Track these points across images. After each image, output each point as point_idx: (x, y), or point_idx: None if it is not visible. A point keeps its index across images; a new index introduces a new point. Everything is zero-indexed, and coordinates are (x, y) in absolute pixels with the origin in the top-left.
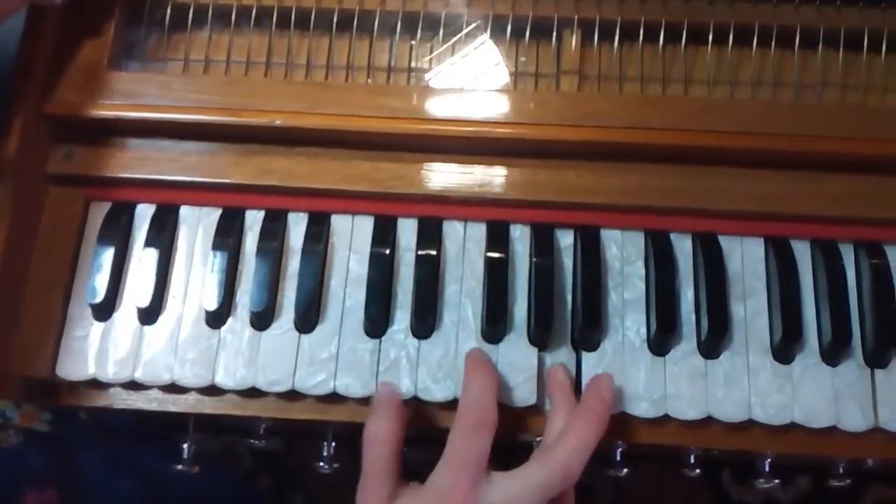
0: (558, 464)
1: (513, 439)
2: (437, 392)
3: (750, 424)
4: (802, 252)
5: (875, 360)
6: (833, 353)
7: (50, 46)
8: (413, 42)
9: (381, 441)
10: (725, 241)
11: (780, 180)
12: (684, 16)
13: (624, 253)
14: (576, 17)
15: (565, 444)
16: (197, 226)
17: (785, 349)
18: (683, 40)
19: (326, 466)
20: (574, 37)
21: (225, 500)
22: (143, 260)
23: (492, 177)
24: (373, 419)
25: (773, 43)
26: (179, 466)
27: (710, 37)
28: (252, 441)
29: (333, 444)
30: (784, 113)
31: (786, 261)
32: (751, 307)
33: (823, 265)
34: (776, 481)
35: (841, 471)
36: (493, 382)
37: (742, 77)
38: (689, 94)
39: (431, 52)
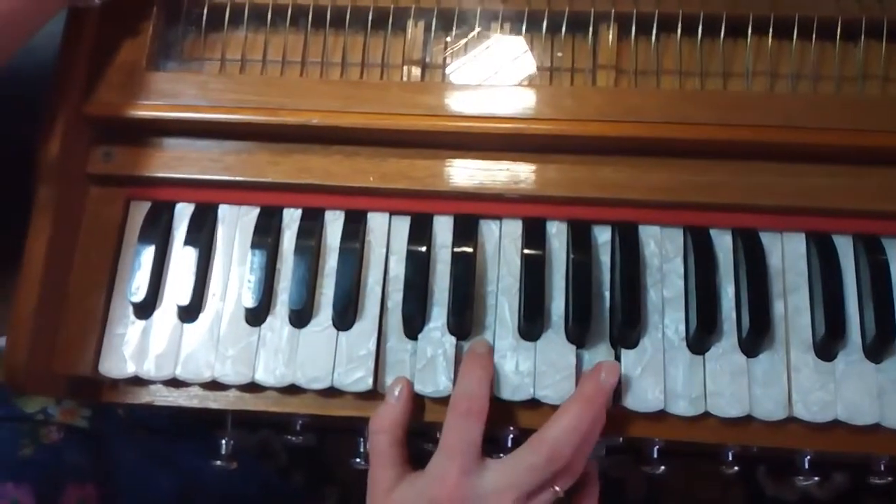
0: (544, 445)
1: None
2: None
3: (791, 422)
4: (845, 247)
5: None
6: (877, 350)
7: (89, 48)
8: (448, 39)
9: (382, 429)
10: (766, 237)
11: (821, 174)
12: (723, 8)
13: (663, 250)
14: (612, 11)
15: (552, 427)
16: (235, 224)
17: (828, 346)
18: (722, 33)
19: (362, 462)
20: (611, 31)
21: (258, 496)
22: (182, 258)
23: (528, 173)
24: (380, 408)
25: (813, 35)
26: (218, 462)
27: (749, 29)
28: (288, 437)
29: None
30: (825, 106)
31: (828, 256)
32: (792, 304)
33: (866, 260)
34: (815, 478)
35: (882, 468)
36: (487, 374)
37: (782, 70)
38: (728, 87)
39: (466, 48)
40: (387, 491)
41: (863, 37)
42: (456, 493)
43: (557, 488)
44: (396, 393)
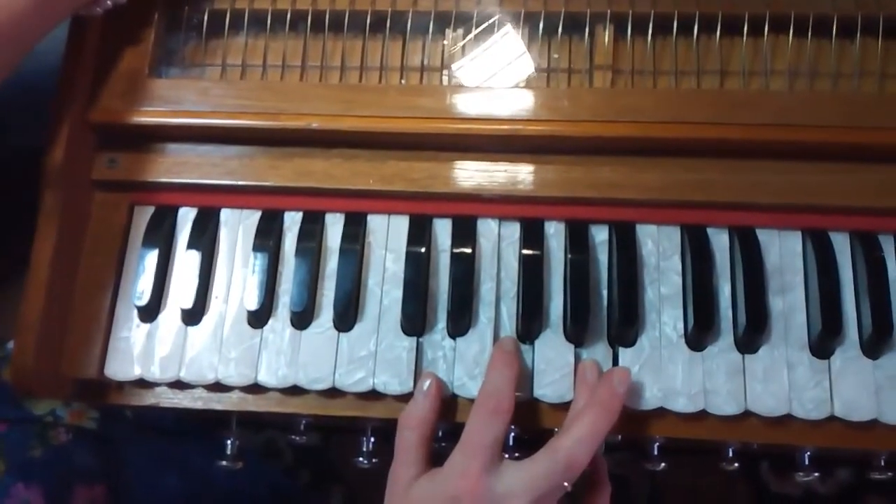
0: (561, 453)
1: (547, 434)
2: (473, 389)
3: (789, 418)
4: (842, 244)
5: None
6: (874, 346)
7: (93, 56)
8: (445, 41)
9: (411, 426)
10: (763, 235)
11: (818, 172)
12: (718, 7)
13: (660, 248)
14: (608, 11)
15: (569, 435)
16: (237, 228)
17: (824, 343)
18: (718, 32)
19: (365, 461)
20: (607, 32)
21: (265, 495)
22: (185, 262)
23: (525, 174)
24: (410, 405)
25: (809, 32)
26: (223, 463)
27: (745, 28)
28: (293, 437)
29: (372, 439)
30: (821, 104)
31: (825, 253)
32: (789, 301)
33: (863, 257)
34: (815, 474)
35: (882, 463)
36: (514, 373)
37: (778, 68)
38: (725, 86)
39: (464, 51)
40: (406, 487)
41: (859, 34)
42: (476, 491)
43: (566, 483)
44: (425, 388)
